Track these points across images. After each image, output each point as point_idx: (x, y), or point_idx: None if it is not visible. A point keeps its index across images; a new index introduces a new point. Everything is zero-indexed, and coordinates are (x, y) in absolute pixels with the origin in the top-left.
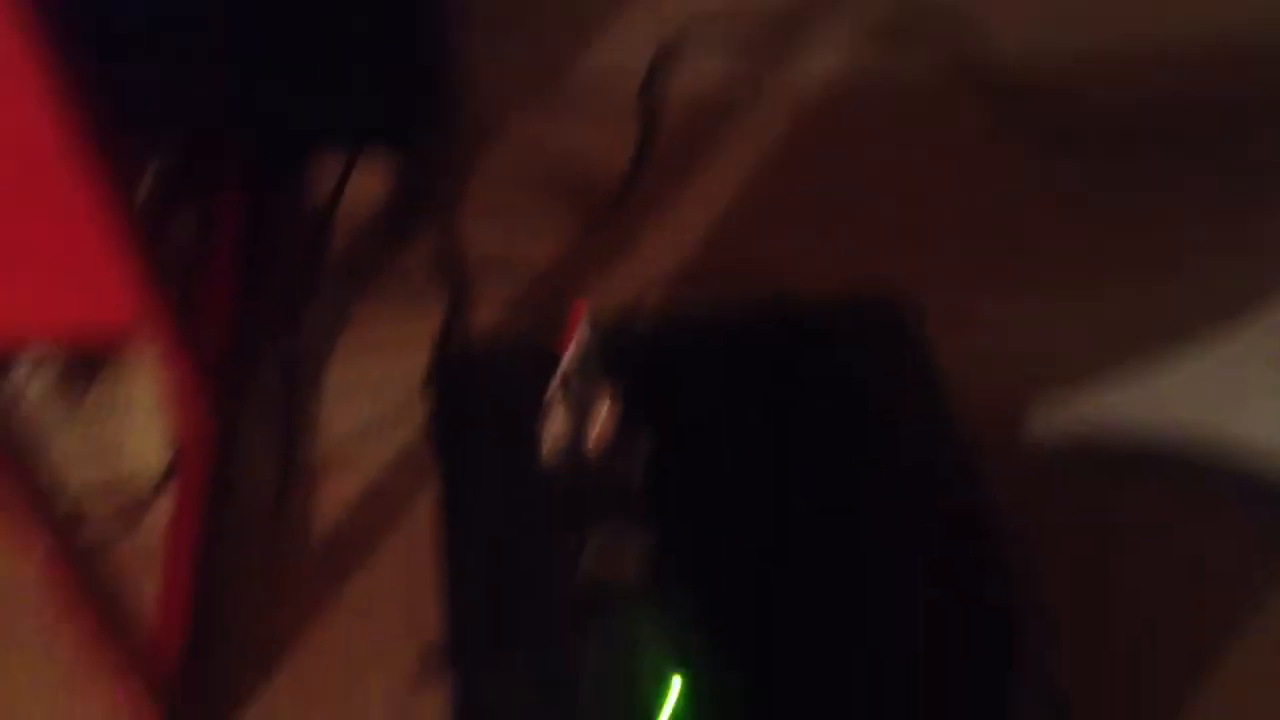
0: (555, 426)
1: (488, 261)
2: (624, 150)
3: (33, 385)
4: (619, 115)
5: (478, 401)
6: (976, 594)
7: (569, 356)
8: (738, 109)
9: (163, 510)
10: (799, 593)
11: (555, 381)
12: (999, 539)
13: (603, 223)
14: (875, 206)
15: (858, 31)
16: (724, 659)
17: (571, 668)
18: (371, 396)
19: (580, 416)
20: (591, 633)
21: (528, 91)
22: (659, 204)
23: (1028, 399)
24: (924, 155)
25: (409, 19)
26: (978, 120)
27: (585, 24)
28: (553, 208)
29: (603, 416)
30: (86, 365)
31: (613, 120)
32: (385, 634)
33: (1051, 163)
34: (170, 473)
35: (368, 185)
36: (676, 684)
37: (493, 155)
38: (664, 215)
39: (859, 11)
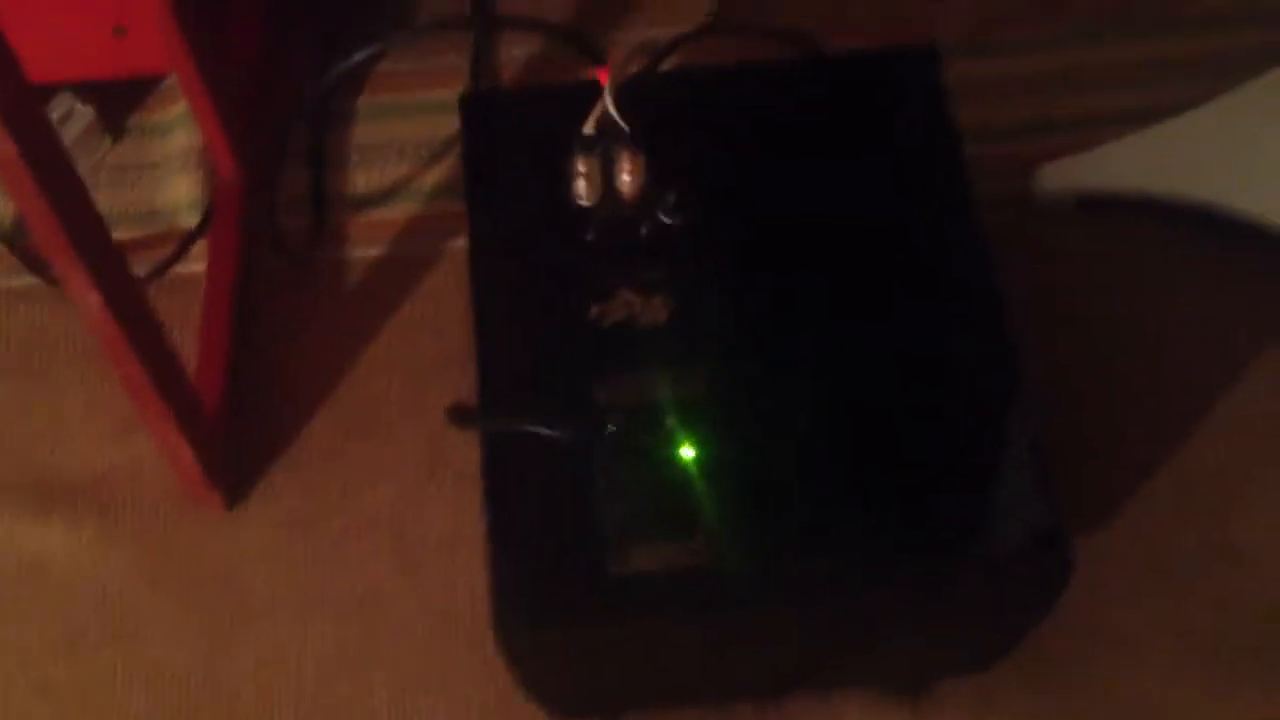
0: (582, 175)
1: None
2: None
3: (67, 131)
4: None
5: (506, 144)
6: (979, 344)
7: (597, 108)
8: None
9: (195, 259)
10: (814, 345)
11: (582, 128)
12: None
13: None
14: None
15: None
16: (741, 410)
17: (597, 418)
18: (400, 149)
19: (606, 164)
20: (615, 380)
21: None
22: None
23: (1038, 150)
24: None
25: None
26: None
27: None
28: None
29: (628, 165)
30: (117, 111)
31: None
32: (419, 381)
33: None
34: (204, 222)
35: None
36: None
37: None
38: None
39: None
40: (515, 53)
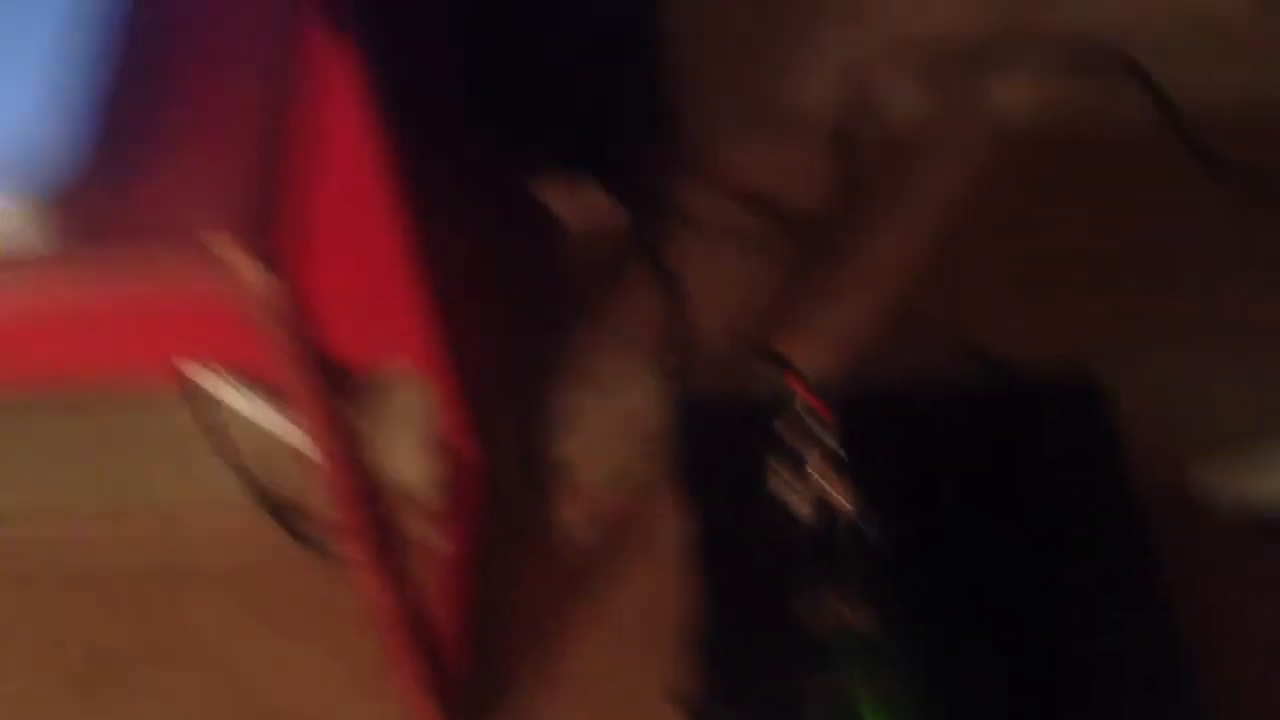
0: (793, 486)
1: (698, 291)
2: (821, 183)
3: None
4: (816, 149)
5: (719, 447)
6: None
7: (795, 417)
8: (931, 145)
9: (425, 521)
10: (1010, 651)
11: (781, 437)
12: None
13: (805, 257)
14: (1069, 252)
15: (1053, 67)
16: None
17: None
18: (597, 424)
19: (816, 478)
20: (826, 680)
21: (730, 124)
22: (857, 240)
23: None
24: (1122, 197)
25: (639, 51)
26: (1180, 165)
27: (781, 58)
28: (756, 240)
29: (836, 481)
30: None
31: (809, 154)
32: (632, 649)
33: (1259, 216)
34: (438, 487)
35: (583, 210)
36: None
37: (698, 187)
38: (861, 253)
39: (1055, 48)
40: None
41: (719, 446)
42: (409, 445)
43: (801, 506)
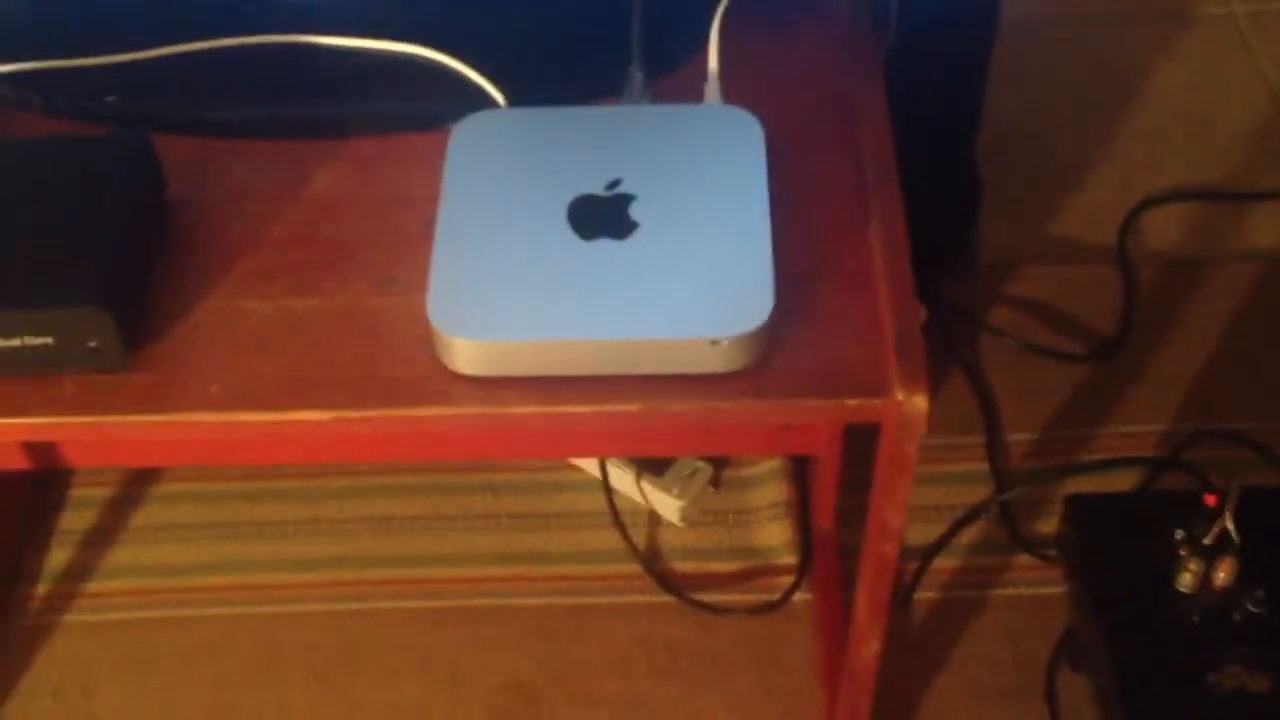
0: (1189, 570)
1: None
2: (1105, 304)
3: (695, 481)
4: (1097, 276)
5: (1108, 534)
6: None
7: (1216, 524)
8: (1201, 278)
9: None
10: None
11: (1200, 537)
12: None
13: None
14: None
15: None
16: None
17: None
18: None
19: (1207, 562)
20: None
21: (1023, 244)
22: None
23: None
24: None
25: (959, 157)
26: None
27: (1069, 184)
28: (1049, 355)
29: (1228, 566)
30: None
31: (1093, 279)
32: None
33: None
34: (801, 569)
35: None
36: None
37: (998, 302)
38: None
39: None
40: None
41: (1107, 533)
42: (772, 521)
43: (1194, 589)
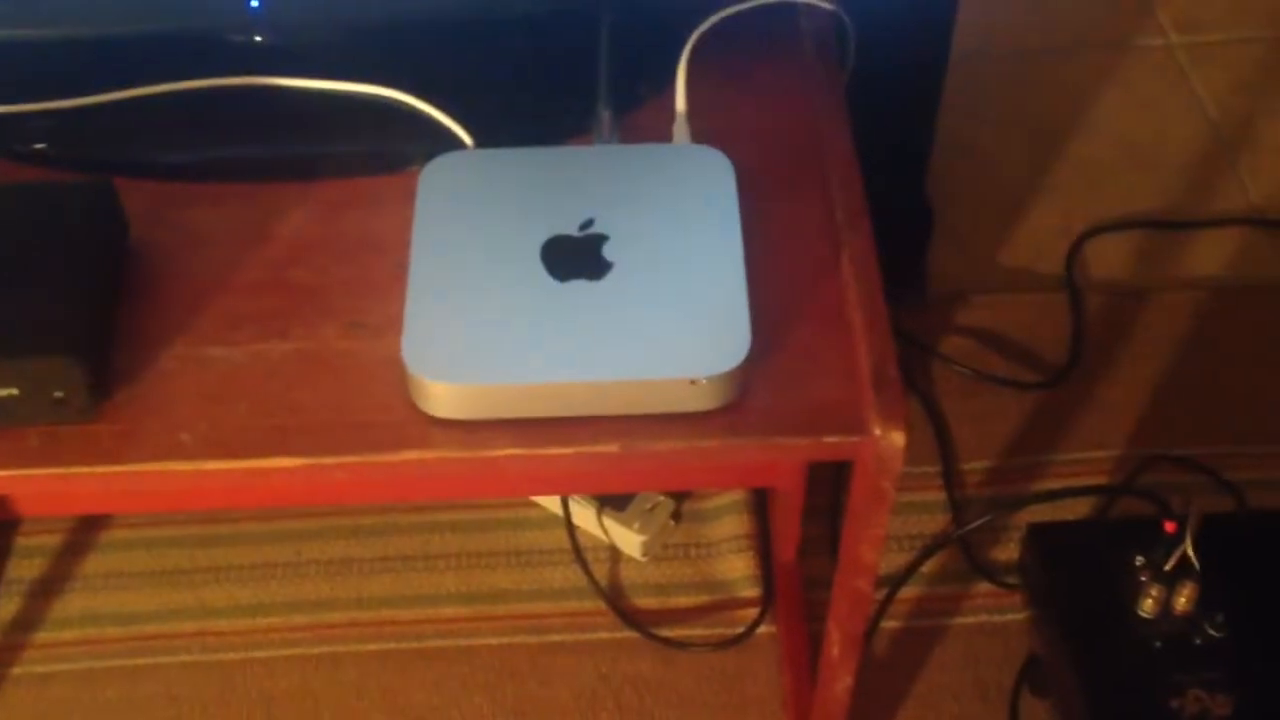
0: (1151, 596)
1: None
2: (1054, 332)
3: (655, 517)
4: (1046, 304)
5: (1069, 562)
6: None
7: (1178, 551)
8: (1147, 305)
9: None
10: None
11: (1160, 563)
12: None
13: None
14: None
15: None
16: None
17: None
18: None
19: (1168, 587)
20: None
21: (972, 273)
22: (1091, 386)
23: None
24: None
25: (911, 188)
26: None
27: (1015, 214)
28: (1001, 383)
29: (1188, 592)
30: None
31: (1042, 307)
32: None
33: None
34: (764, 602)
35: None
36: None
37: (948, 331)
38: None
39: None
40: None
41: (1069, 560)
42: (734, 555)
43: (1153, 614)
